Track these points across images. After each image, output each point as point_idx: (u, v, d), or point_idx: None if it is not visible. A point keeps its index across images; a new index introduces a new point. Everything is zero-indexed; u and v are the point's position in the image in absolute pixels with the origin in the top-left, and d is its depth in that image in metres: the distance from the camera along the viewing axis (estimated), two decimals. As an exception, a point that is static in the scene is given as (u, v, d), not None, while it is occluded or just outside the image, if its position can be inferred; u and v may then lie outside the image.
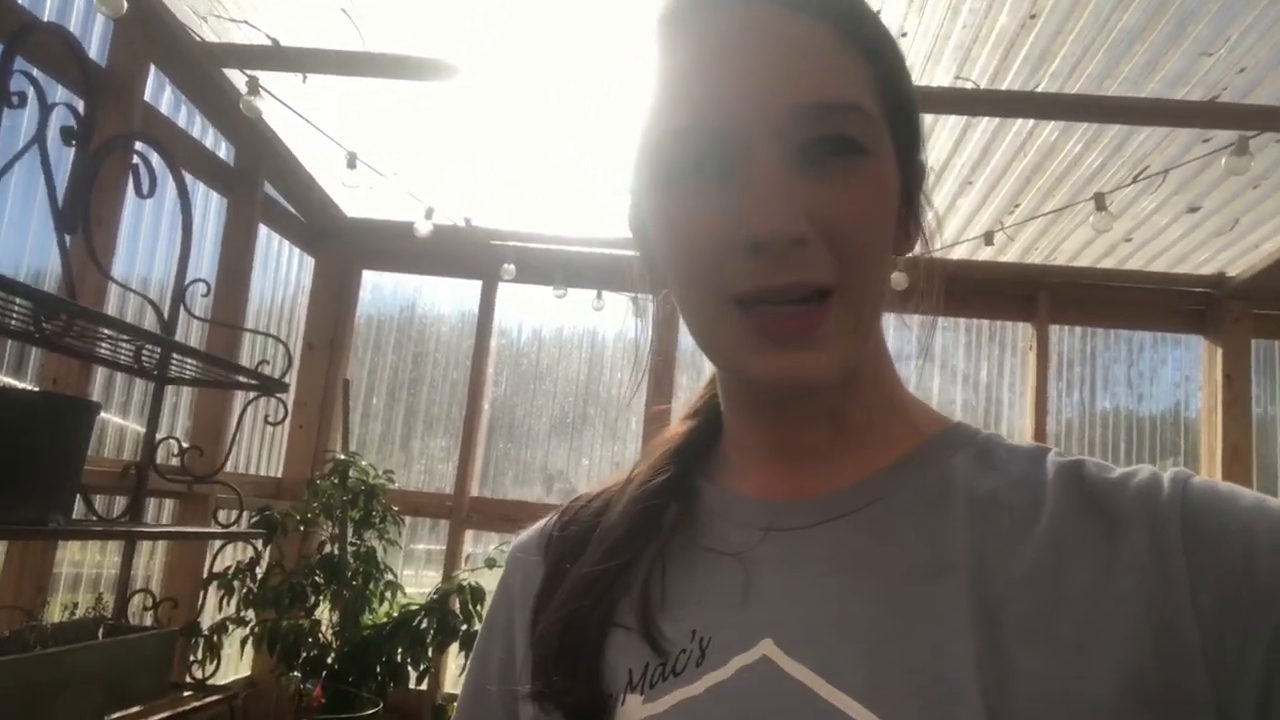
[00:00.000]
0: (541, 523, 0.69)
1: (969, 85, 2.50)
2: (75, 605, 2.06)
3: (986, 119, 2.68)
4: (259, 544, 2.92)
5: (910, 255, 0.62)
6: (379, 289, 4.12)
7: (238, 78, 2.67)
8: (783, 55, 0.49)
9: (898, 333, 0.69)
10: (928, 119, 2.69)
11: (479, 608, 3.10)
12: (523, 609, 0.64)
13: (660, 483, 0.62)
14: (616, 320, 3.96)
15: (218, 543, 2.79)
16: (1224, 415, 3.57)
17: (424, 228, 3.29)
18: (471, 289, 3.98)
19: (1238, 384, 3.58)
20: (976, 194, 3.10)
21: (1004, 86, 2.51)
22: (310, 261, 3.91)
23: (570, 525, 0.65)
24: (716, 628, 0.53)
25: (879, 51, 0.53)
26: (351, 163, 2.91)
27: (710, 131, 0.50)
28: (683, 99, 0.51)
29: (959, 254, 3.48)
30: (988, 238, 3.19)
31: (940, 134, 2.79)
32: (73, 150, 1.80)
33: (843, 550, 0.54)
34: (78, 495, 1.85)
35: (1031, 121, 2.66)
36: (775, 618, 0.52)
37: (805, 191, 0.49)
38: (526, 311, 4.05)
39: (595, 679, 0.55)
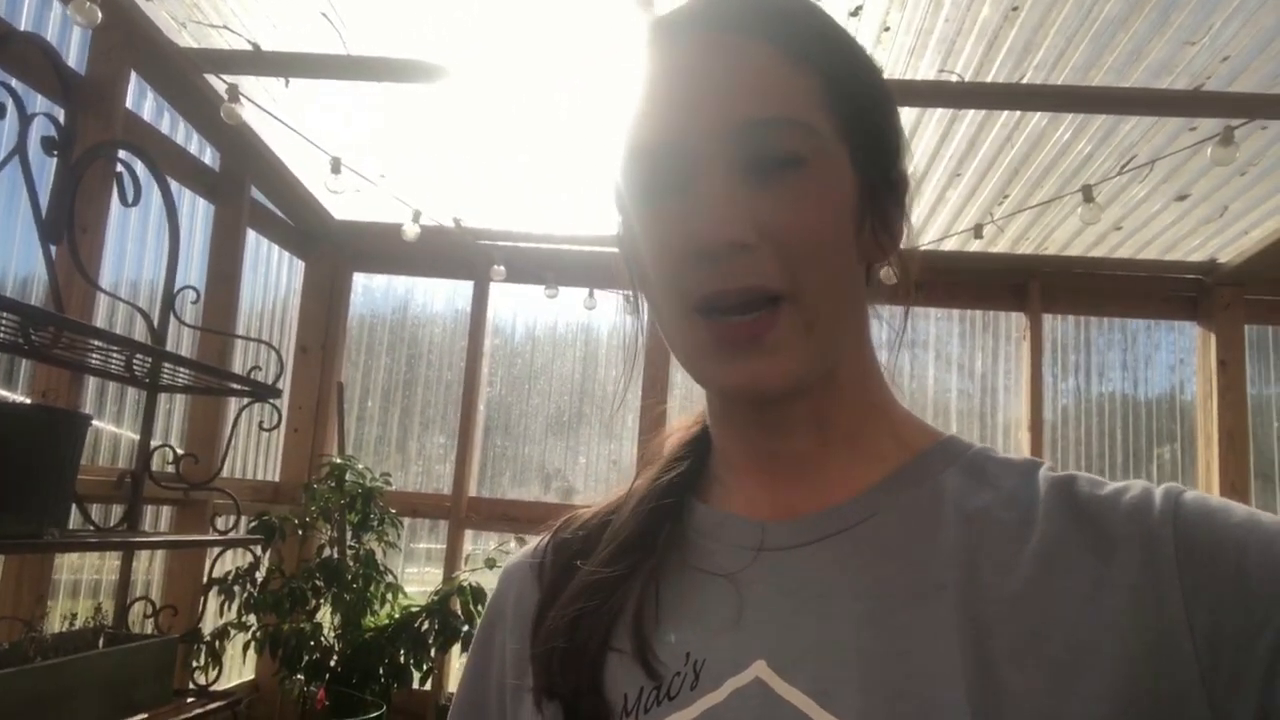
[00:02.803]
0: (534, 542, 0.68)
1: (953, 78, 2.50)
2: (74, 615, 2.07)
3: (973, 111, 2.68)
4: (258, 549, 2.93)
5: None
6: (370, 290, 4.13)
7: (220, 83, 2.67)
8: (724, 76, 0.52)
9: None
10: (913, 113, 2.69)
11: (480, 608, 3.11)
12: (516, 626, 0.63)
13: (677, 475, 0.63)
14: (609, 318, 3.97)
15: (217, 548, 2.80)
16: (1219, 401, 3.57)
17: (411, 231, 3.29)
18: (464, 288, 3.99)
19: (1232, 370, 3.59)
20: (965, 186, 3.10)
21: (988, 79, 2.51)
22: (300, 265, 3.91)
23: (578, 532, 0.65)
24: (710, 649, 0.53)
25: (828, 63, 0.54)
26: (336, 168, 2.91)
27: (665, 150, 0.53)
28: (642, 122, 0.54)
29: (950, 245, 3.48)
30: (977, 230, 3.20)
31: (927, 127, 2.78)
32: (54, 160, 1.81)
33: (834, 569, 0.54)
34: (73, 506, 1.86)
35: (1018, 113, 2.66)
36: (767, 639, 0.52)
37: (750, 201, 0.51)
38: (520, 310, 4.06)
39: (598, 681, 0.55)
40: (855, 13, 2.30)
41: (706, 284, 0.51)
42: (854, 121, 0.54)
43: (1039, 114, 2.65)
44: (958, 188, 3.12)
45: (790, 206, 0.51)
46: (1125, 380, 3.83)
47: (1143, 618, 0.46)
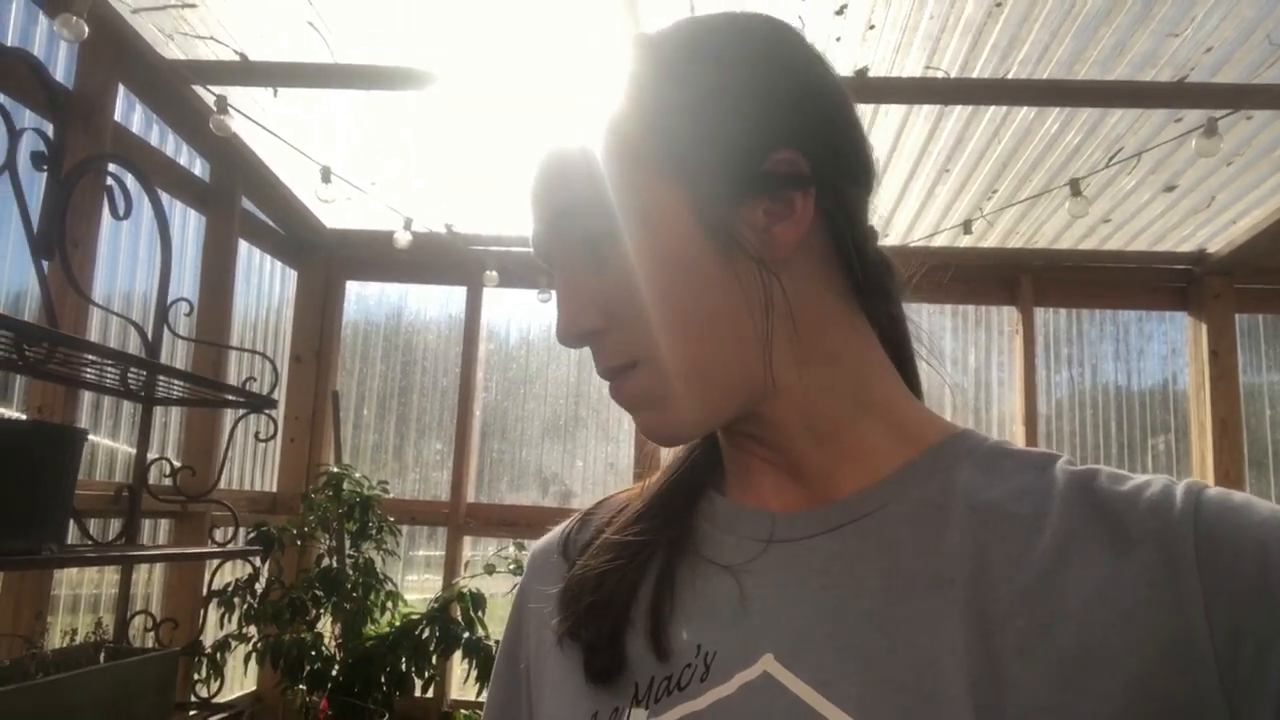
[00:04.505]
0: (560, 526, 0.70)
1: (939, 75, 2.51)
2: (75, 630, 2.07)
3: (960, 107, 2.69)
4: (257, 560, 2.92)
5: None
6: (363, 299, 4.12)
7: (208, 95, 2.68)
8: (541, 177, 0.59)
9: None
10: (900, 109, 2.70)
11: (480, 614, 3.12)
12: (543, 592, 0.65)
13: (694, 463, 0.65)
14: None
15: (216, 560, 2.80)
16: (1212, 391, 3.59)
17: (403, 239, 3.29)
18: (457, 294, 3.99)
19: (1224, 359, 3.60)
20: (954, 181, 3.12)
21: (974, 74, 2.52)
22: (293, 274, 3.91)
23: (605, 511, 0.67)
24: (719, 642, 0.54)
25: (631, 112, 0.55)
26: (326, 177, 2.91)
27: (536, 252, 0.61)
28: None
29: (940, 241, 3.50)
30: (966, 226, 3.21)
31: (914, 124, 2.80)
32: (44, 175, 1.81)
33: (842, 562, 0.54)
34: (71, 521, 1.86)
35: (1004, 108, 2.67)
36: (776, 632, 0.53)
37: (595, 284, 0.55)
38: (514, 315, 4.07)
39: (619, 637, 0.56)
40: (840, 11, 2.31)
41: (596, 367, 0.58)
42: (677, 149, 0.54)
43: (1025, 108, 2.67)
44: (946, 183, 3.14)
45: (621, 281, 0.54)
46: (1118, 372, 3.84)
47: (1160, 617, 0.45)
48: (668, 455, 0.68)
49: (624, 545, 0.61)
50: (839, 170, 0.57)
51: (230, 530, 2.60)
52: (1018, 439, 3.66)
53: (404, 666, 3.07)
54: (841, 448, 0.57)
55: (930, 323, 3.84)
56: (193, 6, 2.39)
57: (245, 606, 2.90)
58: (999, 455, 0.56)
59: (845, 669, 0.49)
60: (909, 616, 0.50)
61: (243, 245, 3.36)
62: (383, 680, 3.04)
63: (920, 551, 0.52)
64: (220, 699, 2.55)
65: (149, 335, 2.21)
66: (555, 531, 0.70)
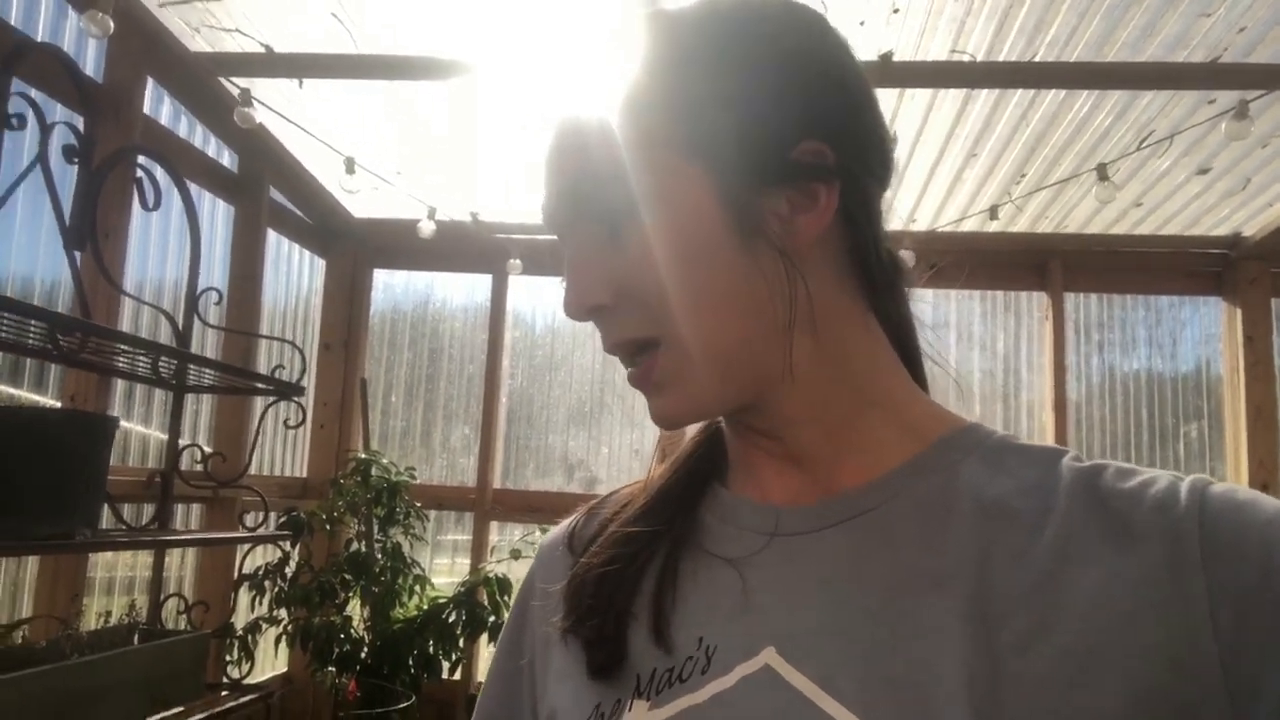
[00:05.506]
0: (567, 520, 0.71)
1: (966, 58, 2.48)
2: (109, 613, 2.11)
3: (986, 90, 2.65)
4: (287, 544, 2.97)
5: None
6: (390, 287, 4.17)
7: (234, 87, 2.71)
8: (558, 153, 0.57)
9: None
10: (926, 93, 2.67)
11: (506, 598, 3.15)
12: (548, 588, 0.65)
13: (698, 458, 0.65)
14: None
15: (247, 545, 2.84)
16: (1246, 376, 3.53)
17: (427, 228, 3.32)
18: (483, 282, 4.02)
19: (1259, 345, 3.54)
20: (982, 166, 3.08)
21: (1001, 57, 2.48)
22: (321, 263, 3.96)
23: (610, 504, 0.68)
24: (721, 635, 0.54)
25: (659, 96, 0.55)
26: (350, 168, 2.94)
27: (549, 226, 0.60)
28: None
29: (969, 226, 3.46)
30: (992, 212, 3.17)
31: (941, 107, 2.76)
32: (75, 168, 1.84)
33: (845, 556, 0.54)
34: (105, 506, 1.90)
35: (1032, 91, 2.63)
36: (777, 626, 0.53)
37: (608, 260, 0.55)
38: (539, 302, 4.09)
39: (622, 633, 0.57)
40: (864, -5, 2.29)
41: (602, 340, 0.58)
42: (706, 135, 0.54)
43: (1054, 91, 2.63)
44: (974, 168, 3.10)
45: (637, 259, 0.53)
46: (1151, 358, 3.79)
47: (1164, 616, 0.45)
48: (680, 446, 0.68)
49: (628, 539, 0.61)
50: (861, 164, 0.56)
51: (261, 515, 2.64)
52: (1047, 425, 3.63)
53: (431, 649, 3.11)
54: (848, 441, 0.57)
55: (959, 307, 3.80)
56: (218, -1, 2.42)
57: (276, 590, 2.95)
58: (1005, 450, 0.56)
59: (846, 664, 0.49)
60: (911, 613, 0.50)
61: (271, 234, 3.40)
62: (410, 663, 3.09)
63: (923, 548, 0.52)
64: (251, 680, 2.60)
65: (179, 324, 2.24)
66: (562, 525, 0.71)
